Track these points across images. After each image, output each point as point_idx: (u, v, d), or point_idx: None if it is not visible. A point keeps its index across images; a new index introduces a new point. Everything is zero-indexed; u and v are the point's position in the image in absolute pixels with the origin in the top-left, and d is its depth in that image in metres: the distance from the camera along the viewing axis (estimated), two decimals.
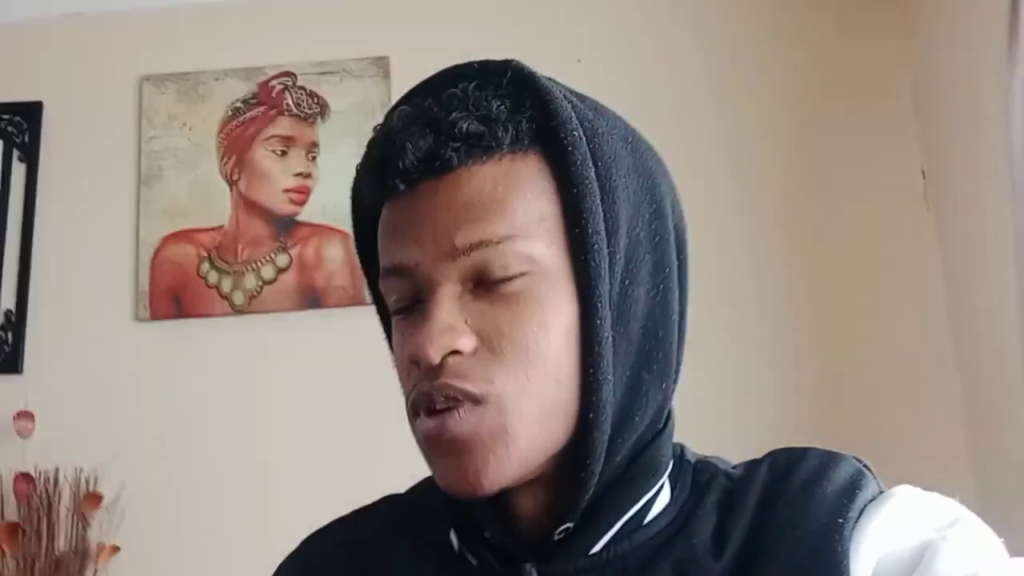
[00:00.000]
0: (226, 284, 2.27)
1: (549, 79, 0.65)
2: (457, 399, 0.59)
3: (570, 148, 0.62)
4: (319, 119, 2.34)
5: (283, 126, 2.34)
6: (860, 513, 0.60)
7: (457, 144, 0.60)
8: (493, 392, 0.59)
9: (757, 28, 2.31)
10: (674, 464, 0.68)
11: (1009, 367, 1.65)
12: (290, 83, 2.37)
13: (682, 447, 0.70)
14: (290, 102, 2.35)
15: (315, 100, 2.35)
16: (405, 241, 0.62)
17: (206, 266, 2.27)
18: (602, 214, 0.62)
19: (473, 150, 0.61)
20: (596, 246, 0.61)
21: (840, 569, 0.58)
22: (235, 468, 2.17)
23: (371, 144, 0.65)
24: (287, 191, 2.30)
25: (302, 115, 2.34)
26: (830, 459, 0.65)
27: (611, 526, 0.64)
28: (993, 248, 1.74)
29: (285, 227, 2.29)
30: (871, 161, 2.19)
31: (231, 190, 2.31)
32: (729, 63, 2.31)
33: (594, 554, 0.64)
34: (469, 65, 0.65)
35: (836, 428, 2.05)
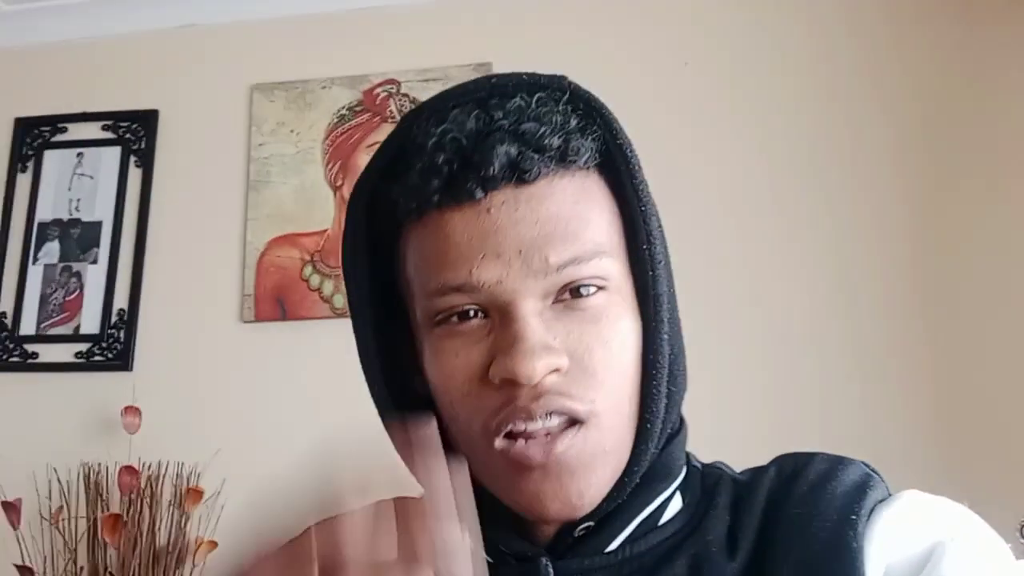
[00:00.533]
0: (328, 287, 2.29)
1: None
2: (561, 416, 0.59)
3: (636, 168, 0.64)
4: None
5: (387, 133, 2.35)
6: (871, 512, 0.61)
7: (542, 156, 0.60)
8: (594, 411, 0.60)
9: (877, 20, 2.23)
10: (685, 470, 0.69)
11: None
12: (394, 90, 2.39)
13: (688, 454, 0.71)
14: (394, 109, 2.38)
15: None
16: (481, 256, 0.60)
17: (309, 269, 2.31)
18: (659, 240, 0.64)
19: (555, 163, 0.61)
20: (661, 263, 0.64)
21: (856, 564, 0.58)
22: None
23: (427, 148, 0.61)
24: None
25: None
26: (839, 462, 0.66)
27: (627, 525, 0.64)
28: None
29: None
30: (1004, 159, 2.09)
31: (335, 195, 2.35)
32: (847, 58, 2.23)
33: (609, 552, 0.64)
34: (518, 76, 0.65)
35: (951, 450, 1.95)
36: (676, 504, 0.67)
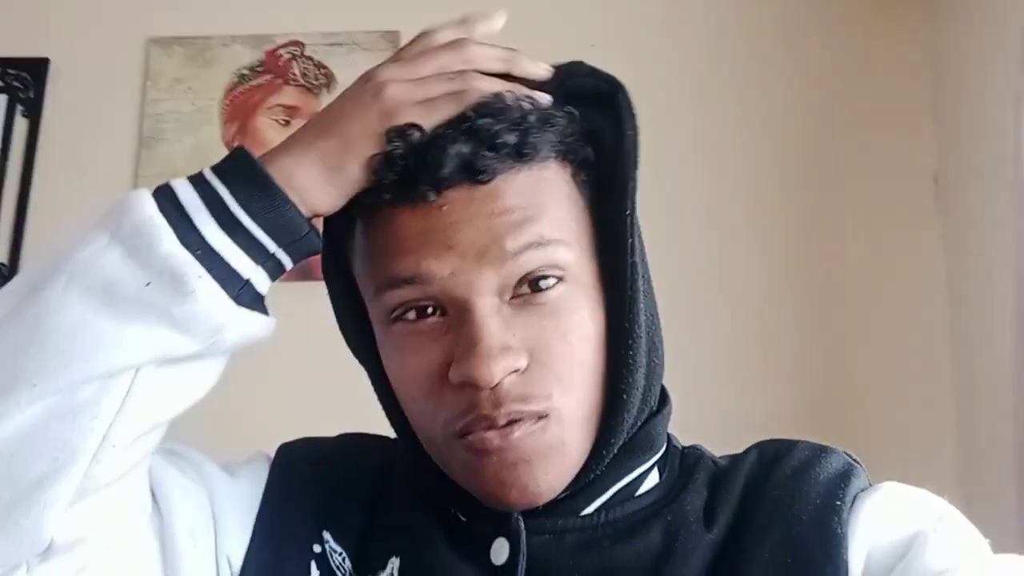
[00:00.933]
0: None
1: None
2: (520, 418, 0.60)
3: (630, 144, 0.65)
4: (325, 90, 2.30)
5: (288, 95, 2.31)
6: (854, 500, 0.62)
7: (497, 154, 0.61)
8: (553, 406, 0.61)
9: (777, 24, 2.27)
10: (666, 447, 0.70)
11: (1001, 375, 1.63)
12: (298, 52, 2.33)
13: (669, 435, 0.72)
14: (296, 72, 2.32)
15: (322, 71, 2.31)
16: (434, 248, 0.60)
17: None
18: (636, 220, 0.65)
19: (510, 160, 0.62)
20: (634, 232, 0.64)
21: (841, 549, 0.59)
22: None
23: (387, 137, 0.62)
24: None
25: (308, 85, 2.31)
26: (821, 450, 0.67)
27: (604, 492, 0.65)
28: (995, 260, 1.71)
29: None
30: (884, 163, 2.15)
31: None
32: (746, 57, 2.26)
33: (585, 515, 0.65)
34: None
35: (826, 426, 2.01)
36: (654, 478, 0.68)
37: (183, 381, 0.60)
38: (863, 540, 0.60)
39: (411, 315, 0.62)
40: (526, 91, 0.64)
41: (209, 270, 0.57)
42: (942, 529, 0.60)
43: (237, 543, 0.69)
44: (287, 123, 2.29)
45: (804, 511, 0.62)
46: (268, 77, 2.33)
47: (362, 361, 0.72)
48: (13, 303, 0.57)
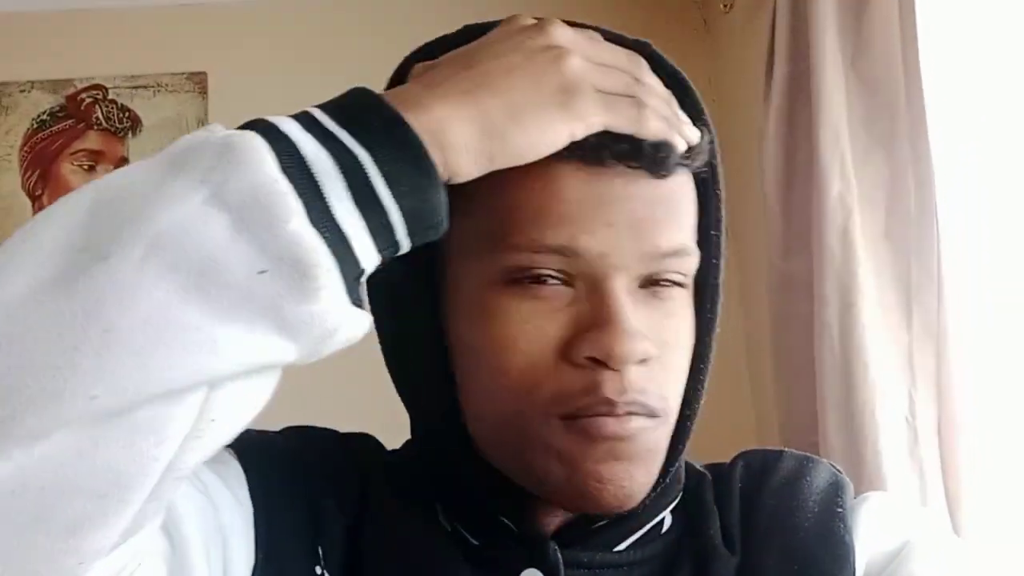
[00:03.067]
0: None
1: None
2: (638, 411, 0.55)
3: (717, 155, 0.61)
4: (130, 134, 2.28)
5: (92, 140, 2.27)
6: (851, 508, 0.62)
7: (670, 155, 0.55)
8: (665, 409, 0.57)
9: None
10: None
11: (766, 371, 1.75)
12: (100, 96, 2.29)
13: None
14: (100, 116, 2.28)
15: (126, 114, 2.28)
16: (590, 223, 0.54)
17: None
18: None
19: (678, 163, 0.57)
20: (720, 258, 0.61)
21: (849, 557, 0.58)
22: None
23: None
24: None
25: (112, 129, 2.28)
26: (808, 460, 0.66)
27: (639, 528, 0.62)
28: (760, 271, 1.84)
29: None
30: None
31: (33, 205, 2.22)
32: None
33: (619, 551, 0.61)
34: (601, 30, 0.59)
35: None
36: (670, 515, 0.65)
37: (262, 392, 0.47)
38: (863, 548, 0.60)
39: (528, 281, 0.55)
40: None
41: (339, 261, 0.44)
42: (928, 537, 0.61)
43: (243, 564, 0.58)
44: (92, 168, 2.25)
45: (805, 519, 0.61)
46: (70, 122, 2.28)
47: (406, 329, 0.62)
48: (60, 266, 0.41)
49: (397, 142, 0.46)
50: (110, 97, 2.30)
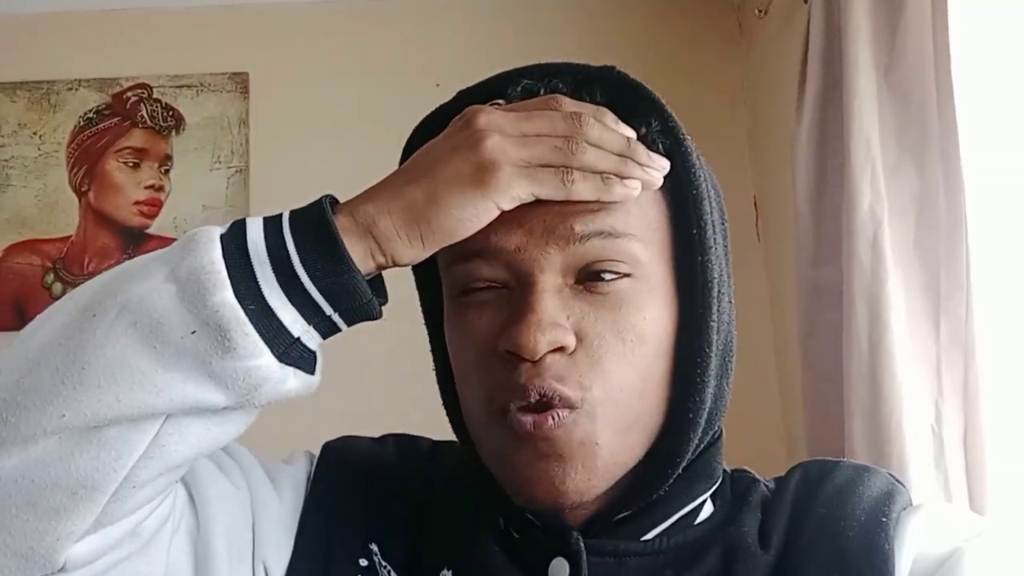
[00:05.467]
0: None
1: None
2: (552, 400, 0.58)
3: (690, 158, 0.63)
4: (173, 132, 2.33)
5: (136, 138, 2.32)
6: (898, 518, 0.62)
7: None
8: (588, 399, 0.58)
9: (604, 51, 2.38)
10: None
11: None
12: (145, 95, 2.35)
13: None
14: (144, 114, 2.34)
15: (170, 113, 2.34)
16: (504, 224, 0.59)
17: (51, 277, 2.24)
18: (710, 224, 0.63)
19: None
20: (708, 256, 0.62)
21: (888, 566, 0.59)
22: None
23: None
24: (137, 203, 2.28)
25: (156, 128, 2.33)
26: (865, 470, 0.67)
27: (666, 518, 0.64)
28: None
29: (135, 240, 2.26)
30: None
31: (80, 201, 2.28)
32: None
33: (646, 541, 0.64)
34: (565, 65, 0.66)
35: None
36: (709, 507, 0.67)
37: (212, 428, 0.57)
38: (908, 557, 0.60)
39: (472, 289, 0.61)
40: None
41: (257, 327, 0.54)
42: (978, 545, 0.60)
43: (276, 553, 0.67)
44: (136, 166, 2.30)
45: (850, 528, 0.62)
46: (115, 120, 2.33)
47: (435, 353, 0.71)
48: (67, 321, 0.55)
49: (320, 237, 0.56)
50: (155, 96, 2.35)
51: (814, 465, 0.69)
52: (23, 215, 2.27)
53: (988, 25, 1.31)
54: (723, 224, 0.68)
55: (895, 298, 1.37)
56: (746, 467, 0.72)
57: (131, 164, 2.31)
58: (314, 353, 0.59)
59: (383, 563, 0.68)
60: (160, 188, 2.30)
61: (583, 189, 0.58)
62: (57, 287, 2.23)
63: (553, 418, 0.58)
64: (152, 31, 2.40)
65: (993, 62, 1.31)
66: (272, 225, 0.57)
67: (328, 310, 0.57)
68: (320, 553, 0.68)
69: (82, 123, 2.33)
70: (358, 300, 0.57)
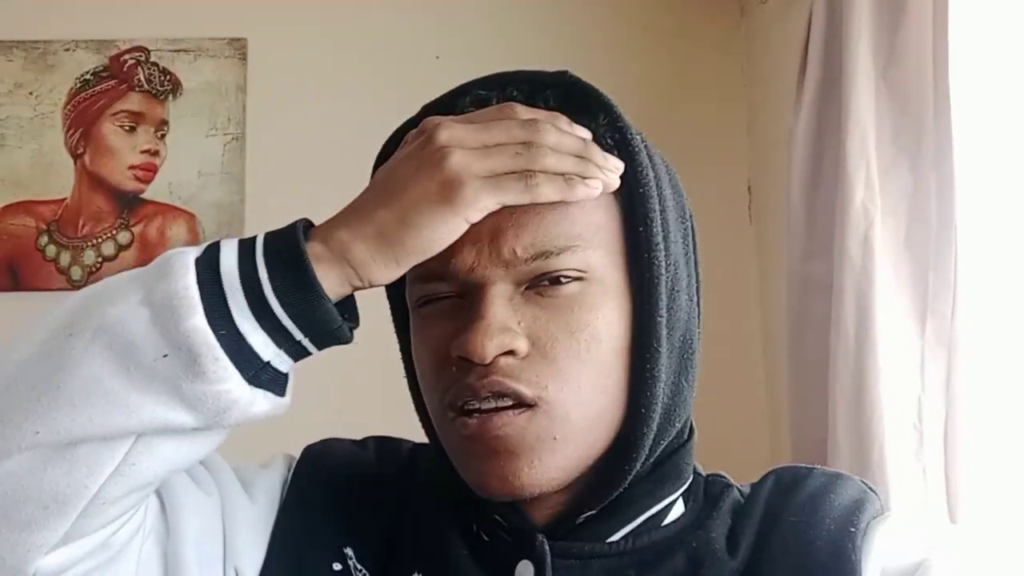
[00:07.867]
0: (65, 258, 2.23)
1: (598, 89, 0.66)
2: (505, 398, 0.60)
3: (639, 155, 0.64)
4: (170, 97, 2.32)
5: (133, 102, 2.31)
6: (867, 527, 0.63)
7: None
8: (545, 397, 0.60)
9: (601, 44, 2.37)
10: (691, 478, 0.71)
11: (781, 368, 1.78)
12: (143, 58, 2.34)
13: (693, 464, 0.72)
14: (141, 78, 2.32)
15: (167, 77, 2.32)
16: (460, 245, 0.60)
17: (45, 239, 2.23)
18: (660, 222, 0.64)
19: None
20: (655, 252, 0.63)
21: (854, 574, 0.60)
22: None
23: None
24: (133, 168, 2.27)
25: (153, 92, 2.32)
26: (836, 477, 0.68)
27: (632, 520, 0.65)
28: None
29: (129, 204, 2.26)
30: (704, 174, 2.29)
31: (75, 163, 2.28)
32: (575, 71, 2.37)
33: (611, 542, 0.65)
34: (519, 73, 0.67)
35: None
36: (679, 508, 0.68)
37: (182, 448, 0.59)
38: (875, 567, 0.61)
39: (434, 297, 0.64)
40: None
41: (227, 351, 0.55)
42: (946, 556, 0.61)
43: (248, 559, 0.69)
44: (132, 129, 2.30)
45: (819, 537, 0.62)
46: (113, 83, 2.32)
47: (404, 360, 0.72)
48: (46, 338, 0.57)
49: (291, 262, 0.57)
50: (152, 59, 2.34)
51: (788, 471, 0.70)
52: (18, 176, 2.26)
53: (988, 30, 1.33)
54: (682, 222, 0.69)
55: (883, 294, 1.40)
56: (722, 472, 0.73)
57: (127, 128, 2.30)
58: (286, 375, 0.61)
59: (358, 566, 0.69)
60: (156, 153, 2.29)
61: (547, 191, 0.60)
62: (51, 249, 2.23)
63: (504, 417, 0.60)
64: None
65: (990, 67, 1.33)
66: (246, 249, 0.59)
67: (298, 335, 0.59)
68: (294, 557, 0.70)
69: (78, 85, 2.31)
70: (328, 326, 0.59)
